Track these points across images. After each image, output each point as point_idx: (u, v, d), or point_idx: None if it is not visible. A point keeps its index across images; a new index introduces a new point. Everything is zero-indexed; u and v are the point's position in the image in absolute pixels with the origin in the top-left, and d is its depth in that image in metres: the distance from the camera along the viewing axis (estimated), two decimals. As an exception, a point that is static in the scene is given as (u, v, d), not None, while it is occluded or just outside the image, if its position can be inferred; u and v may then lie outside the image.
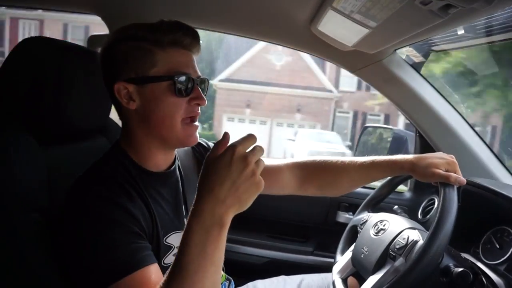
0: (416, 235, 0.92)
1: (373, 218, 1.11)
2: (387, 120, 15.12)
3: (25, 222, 0.75)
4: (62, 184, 0.77)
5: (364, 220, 1.13)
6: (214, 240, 0.59)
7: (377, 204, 1.21)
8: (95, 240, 0.67)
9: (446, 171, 0.89)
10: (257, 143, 0.63)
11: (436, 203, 1.31)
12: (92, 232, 0.67)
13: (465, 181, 0.88)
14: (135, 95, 0.78)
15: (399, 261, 0.89)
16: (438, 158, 0.92)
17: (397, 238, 0.94)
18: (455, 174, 0.88)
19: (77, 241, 0.69)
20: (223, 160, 0.60)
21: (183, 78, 0.77)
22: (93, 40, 1.33)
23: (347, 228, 1.22)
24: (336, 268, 1.15)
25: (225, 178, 0.59)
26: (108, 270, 0.66)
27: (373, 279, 0.94)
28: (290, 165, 1.08)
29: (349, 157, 1.06)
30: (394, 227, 1.00)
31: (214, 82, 14.44)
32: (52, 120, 0.85)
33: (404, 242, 0.91)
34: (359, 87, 14.93)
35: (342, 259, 1.15)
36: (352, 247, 1.13)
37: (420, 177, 0.93)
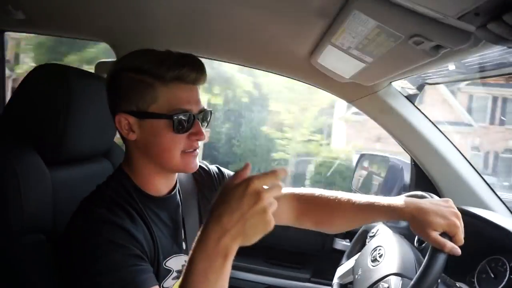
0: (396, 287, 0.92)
1: (379, 236, 1.12)
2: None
3: (30, 242, 0.77)
4: (67, 205, 0.79)
5: (373, 234, 1.15)
6: (217, 270, 0.59)
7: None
8: (97, 262, 0.68)
9: (444, 232, 0.82)
10: (278, 181, 0.61)
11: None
12: (94, 255, 0.68)
13: (460, 252, 0.82)
14: (136, 127, 0.78)
15: None
16: (441, 216, 0.82)
17: (380, 282, 0.95)
18: (450, 244, 0.80)
19: (79, 263, 0.69)
20: (236, 191, 0.59)
21: (182, 116, 0.77)
22: (101, 66, 1.38)
23: (360, 231, 1.23)
24: (339, 271, 1.17)
25: (235, 209, 0.59)
26: None
27: None
28: (288, 196, 1.05)
29: (347, 194, 0.99)
30: (385, 265, 1.01)
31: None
32: (60, 143, 0.88)
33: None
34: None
35: (346, 265, 1.17)
36: (356, 256, 1.14)
37: (416, 233, 0.87)
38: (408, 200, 0.88)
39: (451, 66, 1.07)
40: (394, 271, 0.97)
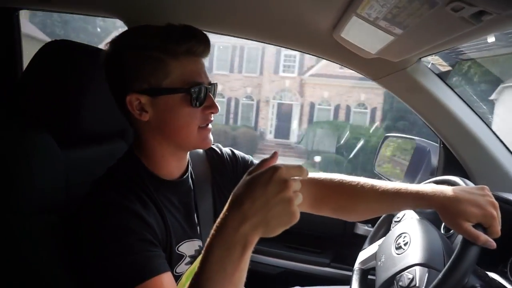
0: (421, 279, 0.85)
1: (404, 222, 1.06)
2: (337, 111, 14.78)
3: (43, 223, 0.76)
4: (80, 186, 0.78)
5: (399, 219, 1.09)
6: (235, 260, 0.56)
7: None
8: (107, 247, 0.66)
9: (478, 223, 0.76)
10: (303, 176, 0.58)
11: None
12: (104, 239, 0.67)
13: (495, 246, 0.75)
14: (148, 106, 0.76)
15: None
16: (476, 206, 0.76)
17: (404, 273, 0.89)
18: (484, 237, 0.73)
19: (89, 248, 0.68)
20: (262, 177, 0.56)
21: (197, 88, 0.75)
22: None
23: (384, 216, 1.17)
24: (361, 256, 1.13)
25: (258, 196, 0.55)
26: (120, 278, 0.65)
27: None
28: (305, 181, 0.98)
29: (371, 181, 0.92)
30: (410, 253, 0.95)
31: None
32: (72, 123, 0.86)
33: (406, 282, 0.86)
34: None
35: (369, 250, 1.13)
36: (380, 241, 1.09)
37: (445, 222, 0.80)
38: (438, 187, 0.82)
39: (491, 38, 0.97)
40: (420, 261, 0.91)
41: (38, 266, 0.74)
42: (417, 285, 0.84)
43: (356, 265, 1.12)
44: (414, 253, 0.94)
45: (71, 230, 0.73)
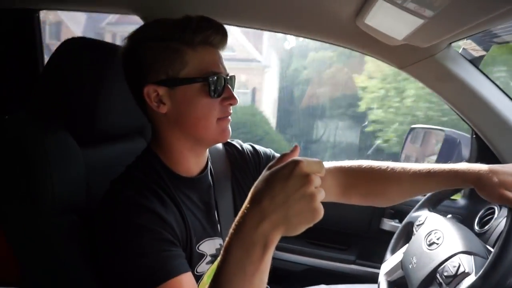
0: (469, 265, 0.81)
1: (429, 222, 1.02)
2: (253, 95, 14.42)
3: (63, 223, 0.76)
4: (100, 185, 0.77)
5: (421, 222, 1.04)
6: (255, 261, 0.52)
7: (439, 202, 1.11)
8: (126, 247, 0.65)
9: None
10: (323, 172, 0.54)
11: (496, 213, 1.18)
12: (122, 239, 0.65)
13: None
14: (166, 98, 0.74)
15: None
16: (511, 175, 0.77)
17: (447, 263, 0.85)
18: None
19: (108, 247, 0.67)
20: (282, 172, 0.52)
21: (215, 78, 0.74)
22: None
23: (403, 224, 1.13)
24: (385, 268, 1.08)
25: (278, 191, 0.51)
26: (139, 279, 0.63)
27: None
28: (333, 170, 0.97)
29: (400, 164, 0.93)
30: (447, 245, 0.90)
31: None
32: (92, 121, 0.85)
33: (453, 270, 0.81)
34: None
35: (392, 259, 1.07)
36: (404, 248, 1.05)
37: (484, 195, 0.79)
38: (472, 164, 0.83)
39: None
40: (463, 249, 0.86)
41: (61, 267, 0.74)
42: (466, 270, 0.80)
43: (381, 277, 1.06)
44: (453, 243, 0.89)
45: (91, 230, 0.72)
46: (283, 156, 0.58)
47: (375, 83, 4.17)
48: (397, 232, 1.14)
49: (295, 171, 0.51)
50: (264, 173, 0.55)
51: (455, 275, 0.80)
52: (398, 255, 1.05)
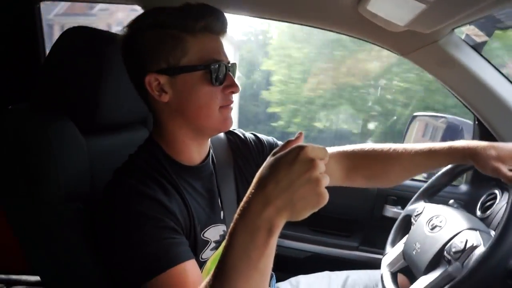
0: (476, 239, 0.83)
1: (428, 210, 1.03)
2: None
3: (68, 211, 0.76)
4: (104, 174, 0.77)
5: (419, 212, 1.05)
6: (260, 245, 0.52)
7: (435, 193, 1.12)
8: (128, 235, 0.65)
9: None
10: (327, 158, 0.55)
11: (498, 198, 1.19)
12: (125, 227, 0.66)
13: None
14: (167, 86, 0.74)
15: (455, 266, 0.82)
16: (509, 151, 0.82)
17: (453, 240, 0.86)
18: None
19: (111, 236, 0.68)
20: (286, 157, 0.52)
21: (217, 65, 0.73)
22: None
23: (400, 218, 1.14)
24: (386, 260, 1.09)
25: (282, 176, 0.51)
26: (141, 267, 0.64)
27: (424, 280, 0.88)
28: (335, 154, 1.00)
29: (402, 145, 0.96)
30: (451, 225, 0.91)
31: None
32: (94, 110, 0.85)
33: (461, 245, 0.83)
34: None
35: (393, 251, 1.09)
36: (404, 239, 1.06)
37: (480, 168, 0.85)
38: (471, 141, 0.88)
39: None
40: (468, 226, 0.88)
41: (66, 253, 0.75)
42: (474, 244, 0.81)
43: (383, 269, 1.07)
44: (457, 223, 0.91)
45: (95, 218, 0.73)
46: (288, 142, 0.58)
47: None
48: (395, 225, 1.15)
49: (300, 156, 0.51)
50: (269, 159, 0.55)
51: (464, 250, 0.81)
52: (399, 247, 1.06)
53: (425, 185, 1.13)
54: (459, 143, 0.88)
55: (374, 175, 1.00)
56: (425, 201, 1.10)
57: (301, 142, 0.57)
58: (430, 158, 0.91)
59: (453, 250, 0.84)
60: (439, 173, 1.12)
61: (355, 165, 0.99)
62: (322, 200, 0.51)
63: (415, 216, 1.06)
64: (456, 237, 0.86)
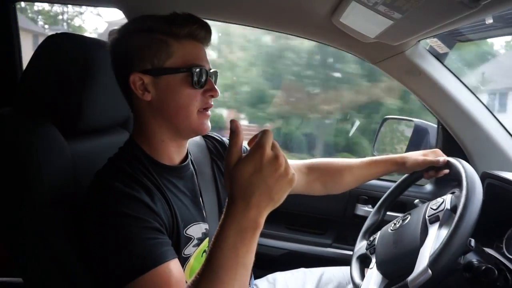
0: (449, 200, 0.91)
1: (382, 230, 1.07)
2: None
3: (53, 214, 0.77)
4: (87, 177, 0.79)
5: (370, 244, 1.07)
6: (247, 243, 0.58)
7: (373, 232, 1.14)
8: (113, 236, 0.67)
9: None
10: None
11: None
12: (110, 228, 0.68)
13: (447, 159, 1.04)
14: (151, 86, 0.78)
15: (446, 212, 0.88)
16: (424, 150, 1.12)
17: (429, 206, 0.94)
18: (442, 157, 1.06)
19: (94, 238, 0.70)
20: (252, 166, 0.56)
21: (198, 70, 0.78)
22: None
23: (353, 260, 1.11)
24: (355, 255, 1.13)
25: (257, 184, 0.56)
26: (126, 268, 0.66)
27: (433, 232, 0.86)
28: (300, 166, 1.17)
29: (350, 159, 1.20)
30: (418, 209, 0.98)
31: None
32: (77, 115, 0.87)
33: (439, 202, 0.92)
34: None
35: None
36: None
37: (412, 166, 1.09)
38: (406, 154, 1.14)
39: (489, 20, 0.98)
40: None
41: (50, 258, 0.76)
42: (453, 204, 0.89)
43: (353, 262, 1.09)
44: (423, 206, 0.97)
45: (80, 221, 0.74)
46: (232, 143, 0.58)
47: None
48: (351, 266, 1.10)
49: (264, 159, 0.56)
50: (231, 168, 0.58)
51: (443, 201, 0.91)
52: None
53: (363, 227, 1.18)
54: (394, 155, 1.15)
55: (328, 182, 1.18)
56: (366, 239, 1.12)
57: (241, 133, 0.59)
58: (372, 166, 1.14)
59: (433, 207, 0.91)
60: (372, 211, 1.20)
61: (314, 176, 1.17)
62: (293, 181, 0.58)
63: (370, 243, 1.07)
64: (430, 204, 0.95)
